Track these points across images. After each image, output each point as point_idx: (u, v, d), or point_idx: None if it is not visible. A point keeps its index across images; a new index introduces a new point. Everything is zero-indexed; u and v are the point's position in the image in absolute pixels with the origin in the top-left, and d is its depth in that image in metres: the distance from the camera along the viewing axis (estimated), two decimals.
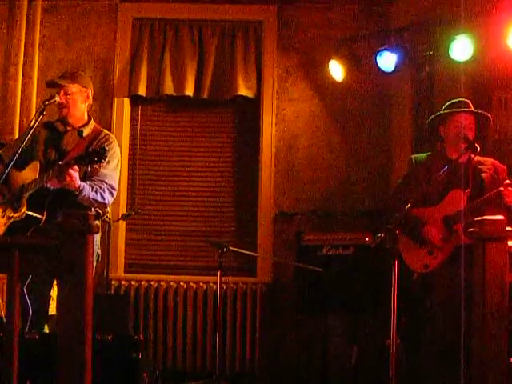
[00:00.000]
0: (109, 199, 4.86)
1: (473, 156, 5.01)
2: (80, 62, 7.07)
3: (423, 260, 4.92)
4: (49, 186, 4.65)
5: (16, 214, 4.72)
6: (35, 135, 4.89)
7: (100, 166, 4.71)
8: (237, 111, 7.20)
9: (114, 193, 4.91)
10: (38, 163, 4.79)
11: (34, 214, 4.68)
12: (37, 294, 4.70)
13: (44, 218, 4.65)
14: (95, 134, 4.98)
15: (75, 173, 4.53)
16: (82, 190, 4.62)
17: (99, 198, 4.76)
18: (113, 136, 5.08)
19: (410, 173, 5.26)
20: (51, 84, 5.02)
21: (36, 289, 4.68)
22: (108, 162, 4.77)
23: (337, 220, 6.85)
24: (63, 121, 4.97)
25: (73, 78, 4.99)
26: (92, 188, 4.71)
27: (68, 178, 4.53)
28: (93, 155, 4.48)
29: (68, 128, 4.97)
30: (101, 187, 4.77)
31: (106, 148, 4.52)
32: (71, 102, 4.93)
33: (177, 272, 6.99)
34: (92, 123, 5.03)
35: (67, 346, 2.80)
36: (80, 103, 4.99)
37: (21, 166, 4.77)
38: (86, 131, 4.95)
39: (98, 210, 4.89)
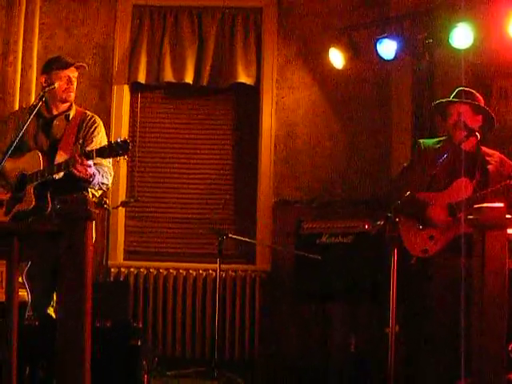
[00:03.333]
0: (110, 180, 4.97)
1: (481, 147, 5.03)
2: (79, 49, 7.06)
3: (423, 244, 4.91)
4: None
5: (23, 207, 4.72)
6: (19, 123, 4.90)
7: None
8: (236, 99, 7.19)
9: (112, 174, 4.98)
10: (39, 152, 4.80)
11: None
12: (37, 279, 4.72)
13: (49, 207, 4.67)
14: (80, 116, 5.03)
15: (91, 162, 4.57)
16: (94, 176, 4.67)
17: (106, 181, 4.88)
18: (97, 117, 5.11)
19: (416, 157, 5.27)
20: (69, 64, 5.01)
21: (36, 274, 4.70)
22: (100, 144, 4.84)
23: (336, 208, 6.84)
24: (47, 106, 4.97)
25: (79, 68, 5.06)
26: (99, 172, 4.75)
27: (88, 170, 4.57)
28: (117, 148, 4.50)
29: (54, 113, 4.99)
30: (104, 170, 4.83)
31: (127, 140, 4.54)
32: (74, 87, 4.99)
33: (176, 259, 7.00)
34: (73, 105, 5.06)
35: (67, 333, 2.80)
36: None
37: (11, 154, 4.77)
38: (71, 114, 4.98)
39: (93, 193, 4.94)
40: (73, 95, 5.01)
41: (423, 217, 4.94)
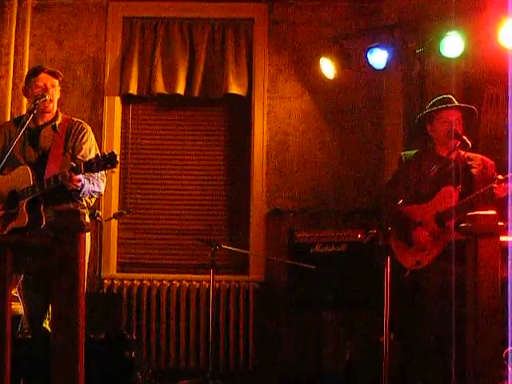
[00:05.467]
0: (103, 187, 4.95)
1: (462, 153, 5.02)
2: (71, 61, 7.05)
3: (415, 256, 4.92)
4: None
5: (17, 224, 4.70)
6: (6, 135, 4.90)
7: (82, 156, 4.76)
8: (228, 109, 7.19)
9: (105, 179, 4.96)
10: (28, 166, 4.77)
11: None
12: (31, 292, 4.71)
13: (43, 222, 4.65)
14: (67, 124, 4.99)
15: (80, 176, 4.56)
16: (83, 186, 4.65)
17: (97, 189, 4.85)
18: (84, 122, 5.09)
19: (400, 170, 5.28)
20: (40, 70, 5.00)
21: (31, 288, 4.69)
22: (90, 151, 4.85)
23: (329, 217, 6.85)
24: (34, 117, 4.90)
25: (54, 74, 5.02)
26: (89, 181, 4.74)
27: (78, 184, 4.57)
28: (104, 161, 4.47)
29: (40, 123, 4.96)
30: (94, 177, 4.80)
31: (115, 152, 4.52)
32: (54, 97, 4.96)
33: (169, 271, 6.99)
34: (59, 113, 5.03)
35: (60, 345, 2.79)
36: (57, 98, 5.02)
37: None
38: (58, 123, 4.95)
39: (86, 200, 4.93)
40: (51, 105, 4.94)
41: (409, 238, 4.95)
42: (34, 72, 5.02)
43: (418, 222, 4.96)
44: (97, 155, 4.58)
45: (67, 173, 4.51)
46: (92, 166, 4.51)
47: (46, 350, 2.85)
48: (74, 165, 4.53)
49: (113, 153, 4.49)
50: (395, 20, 6.55)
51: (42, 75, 4.95)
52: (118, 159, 4.49)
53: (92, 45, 7.13)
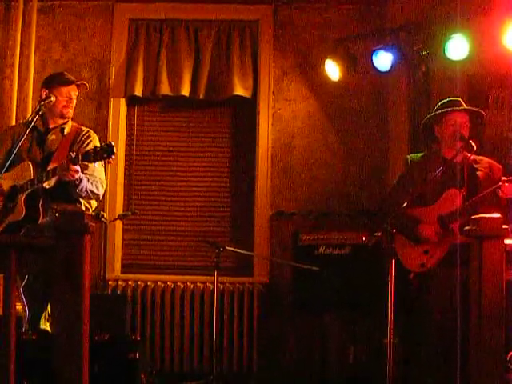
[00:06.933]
0: (101, 191, 4.98)
1: (468, 155, 5.02)
2: (76, 62, 7.06)
3: (419, 259, 4.92)
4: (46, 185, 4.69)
5: (14, 218, 4.72)
6: (14, 137, 4.93)
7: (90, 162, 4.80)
8: (233, 111, 7.19)
9: (104, 186, 5.02)
10: (30, 163, 4.80)
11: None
12: (34, 293, 4.71)
13: (41, 217, 4.67)
14: (76, 131, 5.07)
15: (78, 167, 4.58)
16: (81, 181, 4.67)
17: (95, 190, 4.89)
18: (92, 132, 5.15)
19: (405, 173, 5.27)
20: (70, 82, 5.05)
21: (33, 288, 4.69)
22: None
23: (333, 219, 6.84)
24: (43, 120, 4.99)
25: (80, 86, 5.13)
26: (88, 180, 4.77)
27: (75, 175, 4.58)
28: (102, 152, 4.50)
29: (50, 126, 5.00)
30: (94, 179, 4.84)
31: (112, 143, 4.54)
32: (74, 104, 5.02)
33: (174, 272, 6.99)
34: (70, 121, 5.08)
35: (64, 346, 2.79)
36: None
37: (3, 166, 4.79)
38: (67, 129, 5.00)
39: (86, 204, 4.96)
40: (71, 112, 5.05)
41: (414, 235, 4.95)
42: (63, 81, 5.05)
43: (423, 220, 4.96)
44: (94, 146, 4.62)
45: (65, 162, 4.54)
46: (89, 156, 4.53)
47: (51, 350, 2.86)
48: (73, 155, 4.55)
49: (110, 143, 4.53)
50: (400, 22, 6.54)
51: (72, 87, 5.03)
52: (114, 150, 4.50)
53: (97, 46, 7.13)
